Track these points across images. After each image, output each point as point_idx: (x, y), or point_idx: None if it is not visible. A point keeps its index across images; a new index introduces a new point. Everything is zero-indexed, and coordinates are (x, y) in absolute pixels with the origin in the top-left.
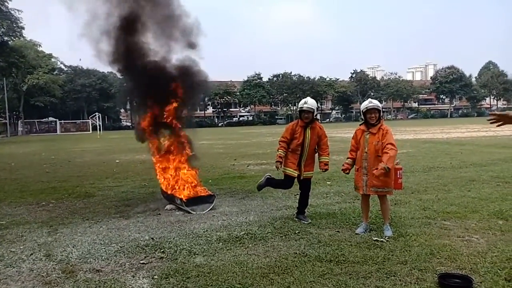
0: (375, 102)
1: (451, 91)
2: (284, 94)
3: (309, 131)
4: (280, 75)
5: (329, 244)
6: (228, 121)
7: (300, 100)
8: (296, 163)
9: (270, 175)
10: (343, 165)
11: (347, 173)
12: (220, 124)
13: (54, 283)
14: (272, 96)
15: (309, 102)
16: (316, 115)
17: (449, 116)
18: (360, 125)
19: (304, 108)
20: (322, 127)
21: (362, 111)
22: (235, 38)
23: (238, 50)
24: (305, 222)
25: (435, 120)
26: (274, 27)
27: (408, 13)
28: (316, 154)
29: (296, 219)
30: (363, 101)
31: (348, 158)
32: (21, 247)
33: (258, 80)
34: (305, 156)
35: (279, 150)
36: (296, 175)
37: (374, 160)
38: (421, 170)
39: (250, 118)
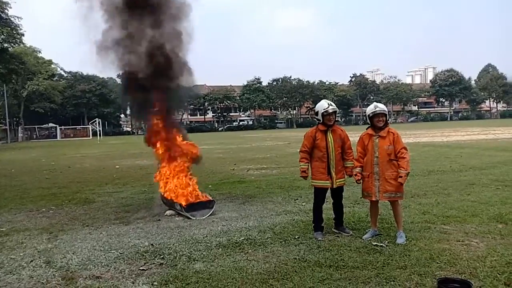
0: (382, 107)
1: (451, 94)
2: (284, 99)
3: (331, 135)
4: (280, 80)
5: (328, 249)
6: (228, 125)
7: (300, 104)
8: (326, 172)
9: (316, 233)
10: (355, 175)
11: (360, 183)
12: (220, 129)
13: None
14: (271, 101)
15: (333, 105)
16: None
17: (449, 119)
18: (366, 129)
19: (329, 111)
20: (344, 130)
21: (368, 115)
22: (235, 43)
23: (238, 55)
24: (347, 234)
25: (435, 123)
26: (273, 33)
27: (407, 17)
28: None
29: (336, 231)
30: (362, 105)
31: (357, 166)
32: (21, 254)
33: (258, 84)
34: (333, 161)
35: (302, 164)
36: (329, 186)
37: (386, 164)
38: (421, 174)
39: (250, 122)
